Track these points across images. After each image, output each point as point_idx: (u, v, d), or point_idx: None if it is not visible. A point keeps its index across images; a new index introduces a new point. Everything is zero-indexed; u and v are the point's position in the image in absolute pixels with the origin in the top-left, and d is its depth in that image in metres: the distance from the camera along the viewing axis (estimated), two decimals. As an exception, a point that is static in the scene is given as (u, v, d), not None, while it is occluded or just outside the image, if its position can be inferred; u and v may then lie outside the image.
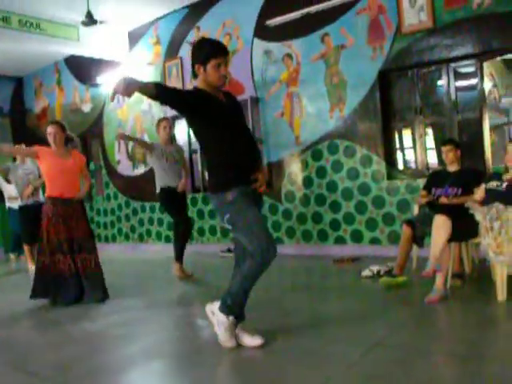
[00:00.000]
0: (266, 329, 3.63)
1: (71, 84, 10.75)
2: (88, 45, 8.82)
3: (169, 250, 6.33)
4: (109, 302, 5.17)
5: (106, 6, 7.98)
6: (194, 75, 3.33)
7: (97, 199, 10.55)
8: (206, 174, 3.42)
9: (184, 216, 6.31)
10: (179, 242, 6.16)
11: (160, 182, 6.19)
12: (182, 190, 6.23)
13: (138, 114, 9.49)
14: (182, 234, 6.17)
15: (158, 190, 6.25)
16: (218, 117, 3.26)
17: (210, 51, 3.22)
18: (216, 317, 3.41)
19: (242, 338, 3.38)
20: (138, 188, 9.62)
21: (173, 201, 6.22)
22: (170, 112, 8.46)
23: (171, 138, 6.54)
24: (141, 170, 9.57)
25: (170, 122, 6.53)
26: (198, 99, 3.21)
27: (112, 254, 9.17)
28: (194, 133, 3.40)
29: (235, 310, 3.34)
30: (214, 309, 3.46)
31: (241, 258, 3.45)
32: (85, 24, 7.54)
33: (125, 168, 9.91)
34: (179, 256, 6.16)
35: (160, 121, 6.45)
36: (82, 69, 10.35)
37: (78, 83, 10.59)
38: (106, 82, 9.89)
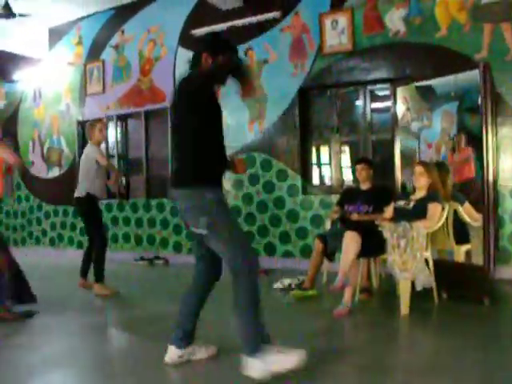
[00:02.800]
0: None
1: (-16, 78, 10.28)
2: (5, 38, 8.48)
3: (80, 256, 6.14)
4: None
5: (26, -1, 7.71)
6: (194, 65, 3.06)
7: (6, 200, 10.11)
8: (178, 166, 3.05)
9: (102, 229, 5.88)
10: (101, 260, 5.64)
11: (89, 187, 5.66)
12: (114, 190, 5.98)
13: (55, 115, 9.20)
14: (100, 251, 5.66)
15: (81, 195, 5.68)
16: (219, 111, 3.08)
17: (226, 45, 3.08)
18: (257, 367, 2.85)
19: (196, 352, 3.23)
20: (51, 191, 9.31)
21: (97, 210, 5.76)
22: (98, 114, 8.33)
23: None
24: (55, 172, 9.28)
25: (106, 124, 6.23)
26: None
27: (20, 258, 8.80)
28: (188, 117, 2.98)
29: (258, 342, 2.92)
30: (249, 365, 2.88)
31: (201, 274, 3.21)
32: (2, 16, 7.23)
33: (38, 170, 9.57)
34: (102, 275, 5.64)
35: (95, 122, 6.00)
36: (-2, 63, 9.93)
37: (-7, 78, 10.15)
38: (23, 79, 9.54)
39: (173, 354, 3.16)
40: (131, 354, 3.57)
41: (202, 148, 2.93)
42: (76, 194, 5.76)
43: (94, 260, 5.65)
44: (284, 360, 2.87)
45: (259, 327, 3.00)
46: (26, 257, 8.97)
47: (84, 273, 5.86)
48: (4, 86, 9.99)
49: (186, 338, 3.19)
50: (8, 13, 7.10)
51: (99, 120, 6.42)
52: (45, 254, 9.32)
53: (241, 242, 2.96)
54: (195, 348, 3.24)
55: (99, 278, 5.57)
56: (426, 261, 4.45)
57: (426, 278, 4.36)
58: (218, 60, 2.99)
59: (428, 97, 9.08)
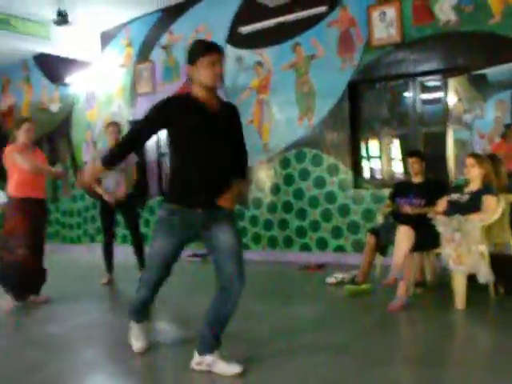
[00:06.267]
0: (230, 332, 3.65)
1: (40, 82, 10.60)
2: (59, 44, 8.73)
3: (128, 252, 6.35)
4: (70, 306, 5.14)
5: (78, 5, 7.91)
6: (190, 80, 3.06)
7: (62, 200, 10.42)
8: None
9: (131, 230, 6.34)
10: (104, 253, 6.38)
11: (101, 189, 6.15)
12: (119, 198, 6.13)
13: (108, 116, 9.42)
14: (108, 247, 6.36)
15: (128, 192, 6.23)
16: (192, 127, 2.99)
17: (200, 49, 2.98)
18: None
19: (218, 365, 3.09)
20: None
21: (106, 212, 6.22)
22: (140, 115, 8.48)
23: None
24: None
25: (119, 127, 6.35)
26: (163, 116, 3.04)
27: (76, 256, 9.10)
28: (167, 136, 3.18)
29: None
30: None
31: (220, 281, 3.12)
32: (57, 23, 7.47)
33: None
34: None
35: (107, 125, 6.28)
36: (52, 68, 10.20)
37: (47, 82, 10.46)
38: (76, 82, 9.81)
39: (194, 358, 3.16)
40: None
41: (171, 166, 3.20)
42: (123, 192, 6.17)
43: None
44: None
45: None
46: (83, 254, 9.25)
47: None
48: (58, 90, 10.29)
49: (203, 345, 3.12)
50: (62, 20, 7.32)
51: (112, 123, 6.50)
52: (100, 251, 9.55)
53: (150, 268, 3.24)
54: (216, 360, 3.09)
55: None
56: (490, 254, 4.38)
57: (487, 271, 4.28)
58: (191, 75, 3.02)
59: (481, 86, 8.87)
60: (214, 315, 3.07)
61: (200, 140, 2.99)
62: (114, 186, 6.15)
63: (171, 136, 3.08)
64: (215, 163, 3.01)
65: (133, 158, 6.33)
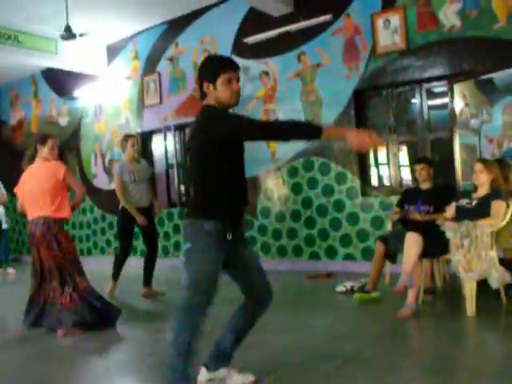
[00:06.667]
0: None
1: (48, 97, 10.70)
2: (66, 58, 8.82)
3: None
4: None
5: (84, 19, 8.01)
6: (202, 96, 2.92)
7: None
8: (189, 193, 2.94)
9: (149, 242, 6.24)
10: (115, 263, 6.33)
11: (123, 201, 6.03)
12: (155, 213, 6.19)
13: (115, 129, 9.49)
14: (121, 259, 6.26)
15: (120, 207, 6.13)
16: (236, 145, 2.89)
17: (218, 65, 2.87)
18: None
19: (233, 377, 3.03)
20: (114, 201, 9.56)
21: (128, 225, 6.10)
22: (156, 125, 8.58)
23: (137, 156, 6.32)
24: (117, 183, 9.54)
25: (137, 139, 6.40)
26: None
27: (87, 268, 9.10)
28: (201, 150, 2.84)
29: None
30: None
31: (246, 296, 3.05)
32: (64, 37, 7.54)
33: (101, 181, 9.88)
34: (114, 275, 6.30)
35: (127, 138, 6.20)
36: (60, 82, 10.32)
37: (55, 96, 10.56)
38: (84, 96, 9.89)
39: (202, 375, 3.01)
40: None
41: (209, 183, 2.88)
42: (146, 204, 6.09)
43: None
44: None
45: (186, 356, 2.70)
46: (93, 267, 9.27)
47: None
48: (66, 104, 10.38)
49: (220, 359, 3.03)
50: (69, 35, 7.38)
51: (131, 135, 6.54)
52: (110, 263, 9.56)
53: (197, 288, 2.75)
54: (231, 372, 3.04)
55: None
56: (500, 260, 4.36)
57: (501, 275, 4.24)
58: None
59: (488, 91, 8.85)
60: (244, 328, 3.02)
61: (241, 154, 2.94)
62: (139, 198, 6.05)
63: (224, 146, 2.80)
64: (244, 179, 2.98)
65: (149, 168, 6.36)
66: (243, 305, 3.04)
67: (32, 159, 4.82)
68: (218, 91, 2.84)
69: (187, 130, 8.79)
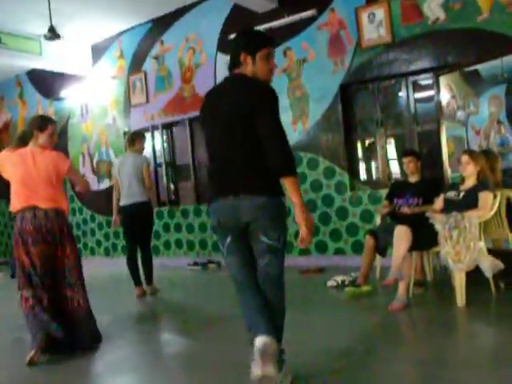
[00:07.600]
0: (236, 339, 3.66)
1: (34, 98, 10.62)
2: (51, 59, 8.77)
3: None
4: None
5: (68, 19, 7.96)
6: (234, 64, 2.88)
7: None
8: (244, 174, 2.83)
9: (142, 241, 6.03)
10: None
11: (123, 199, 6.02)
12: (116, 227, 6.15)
13: (103, 128, 9.44)
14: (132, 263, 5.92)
15: (147, 199, 6.05)
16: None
17: (262, 38, 2.89)
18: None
19: None
20: (103, 202, 9.54)
21: (126, 223, 6.02)
22: (143, 124, 8.58)
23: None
24: (106, 184, 9.51)
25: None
26: None
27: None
28: (249, 121, 2.73)
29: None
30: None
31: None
32: (47, 38, 7.49)
33: (90, 182, 9.80)
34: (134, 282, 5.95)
35: (138, 136, 6.22)
36: (45, 83, 10.25)
37: (41, 97, 10.49)
38: (70, 96, 9.83)
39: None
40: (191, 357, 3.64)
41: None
42: (139, 199, 5.92)
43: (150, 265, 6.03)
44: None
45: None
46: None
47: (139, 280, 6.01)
48: (53, 105, 10.31)
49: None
50: (53, 35, 7.33)
51: (142, 133, 6.58)
52: (100, 263, 9.56)
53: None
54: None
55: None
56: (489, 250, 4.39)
57: (493, 263, 4.26)
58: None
59: (474, 83, 8.89)
60: None
61: None
62: (132, 193, 5.94)
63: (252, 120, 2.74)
64: None
65: (143, 160, 6.09)
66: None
67: (24, 143, 4.19)
68: (256, 65, 2.82)
69: (174, 129, 8.78)
